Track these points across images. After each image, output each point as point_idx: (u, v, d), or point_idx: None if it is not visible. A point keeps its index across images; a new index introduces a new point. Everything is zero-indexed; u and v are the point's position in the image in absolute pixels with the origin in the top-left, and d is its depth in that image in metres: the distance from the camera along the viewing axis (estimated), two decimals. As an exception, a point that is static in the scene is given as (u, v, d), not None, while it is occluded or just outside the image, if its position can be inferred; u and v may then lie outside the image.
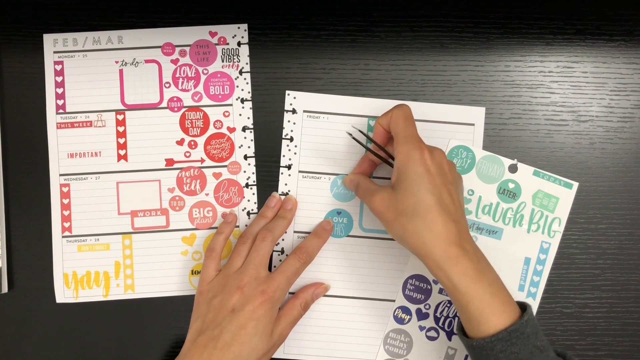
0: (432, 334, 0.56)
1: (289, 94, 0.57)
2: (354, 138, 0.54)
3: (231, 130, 0.58)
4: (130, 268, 0.58)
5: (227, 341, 0.49)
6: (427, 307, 0.56)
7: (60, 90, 0.57)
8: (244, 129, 0.58)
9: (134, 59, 0.57)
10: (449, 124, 0.57)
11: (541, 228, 0.55)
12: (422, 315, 0.56)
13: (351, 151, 0.57)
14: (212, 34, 0.58)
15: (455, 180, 0.49)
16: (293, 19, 0.57)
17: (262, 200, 0.58)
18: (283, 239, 0.57)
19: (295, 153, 0.57)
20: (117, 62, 0.57)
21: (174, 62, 0.58)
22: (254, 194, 0.58)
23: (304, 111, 0.57)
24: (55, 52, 0.57)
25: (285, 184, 0.57)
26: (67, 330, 0.58)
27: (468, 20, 0.57)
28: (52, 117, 0.57)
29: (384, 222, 0.48)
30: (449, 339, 0.56)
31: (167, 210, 0.58)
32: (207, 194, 0.58)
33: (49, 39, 0.57)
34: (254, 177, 0.58)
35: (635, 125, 0.58)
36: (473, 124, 0.57)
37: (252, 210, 0.58)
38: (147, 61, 0.57)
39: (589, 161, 0.57)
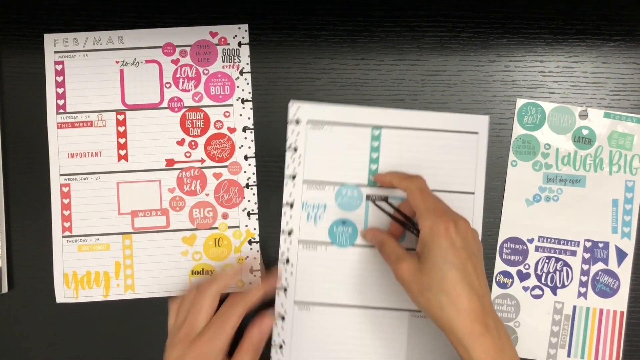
0: (537, 292, 0.57)
1: (292, 104, 0.57)
2: (377, 205, 0.55)
3: (232, 130, 0.58)
4: (130, 268, 0.57)
5: None
6: (526, 267, 0.57)
7: (60, 90, 0.57)
8: (245, 129, 0.58)
9: (135, 59, 0.57)
10: (453, 133, 0.57)
11: (622, 168, 0.56)
12: (523, 276, 0.57)
13: (355, 160, 0.57)
14: (213, 34, 0.58)
15: (479, 251, 0.49)
16: (293, 19, 0.57)
17: (262, 200, 0.58)
18: (288, 249, 0.57)
19: (299, 163, 0.57)
20: (117, 62, 0.57)
21: (175, 62, 0.58)
22: (254, 194, 0.58)
23: (308, 121, 0.57)
24: (55, 52, 0.57)
25: (290, 194, 0.57)
26: (67, 330, 0.58)
27: (468, 20, 0.57)
28: (52, 117, 0.57)
29: (408, 292, 0.48)
30: (554, 293, 0.57)
31: (168, 211, 0.58)
32: (207, 194, 0.58)
33: (49, 39, 0.57)
34: (254, 178, 0.58)
35: (635, 125, 0.58)
36: (477, 133, 0.57)
37: (252, 210, 0.58)
38: (147, 61, 0.57)
39: (589, 161, 0.58)
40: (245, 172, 0.58)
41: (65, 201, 0.57)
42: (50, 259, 0.57)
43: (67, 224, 0.57)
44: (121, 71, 0.57)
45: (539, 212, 0.57)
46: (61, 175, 0.57)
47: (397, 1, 0.57)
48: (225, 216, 0.58)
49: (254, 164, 0.58)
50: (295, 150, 0.57)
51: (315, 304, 0.57)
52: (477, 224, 0.57)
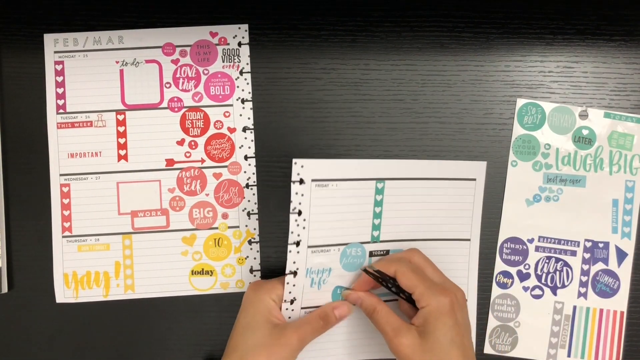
0: (537, 292, 0.57)
1: (295, 163, 0.51)
2: (370, 273, 0.52)
3: (231, 130, 0.58)
4: (130, 268, 0.57)
5: None
6: (526, 267, 0.57)
7: (60, 90, 0.57)
8: (245, 129, 0.58)
9: (135, 59, 0.57)
10: (451, 180, 0.55)
11: (622, 168, 0.57)
12: (523, 276, 0.57)
13: (359, 217, 0.54)
14: (213, 34, 0.58)
15: (468, 317, 0.50)
16: (293, 19, 0.57)
17: (262, 200, 0.58)
18: (290, 317, 0.54)
19: (304, 228, 0.52)
20: (117, 62, 0.57)
21: (175, 62, 0.58)
22: (254, 194, 0.58)
23: (312, 180, 0.52)
24: (55, 52, 0.57)
25: (294, 262, 0.52)
26: (67, 330, 0.58)
27: (468, 20, 0.57)
28: (52, 117, 0.57)
29: None
30: (555, 294, 0.57)
31: (168, 211, 0.58)
32: (207, 194, 0.58)
33: (49, 39, 0.57)
34: (254, 178, 0.58)
35: (635, 125, 0.58)
36: (474, 179, 0.56)
37: (252, 210, 0.58)
38: (147, 61, 0.57)
39: (589, 161, 0.58)
40: (245, 172, 0.58)
41: (65, 201, 0.57)
42: (50, 259, 0.57)
43: (67, 224, 0.57)
44: (121, 71, 0.57)
45: (539, 212, 0.57)
46: (61, 175, 0.57)
47: (397, 1, 0.57)
48: (225, 216, 0.58)
49: (254, 164, 0.58)
50: (300, 213, 0.52)
51: None
52: (472, 270, 0.57)
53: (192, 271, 0.58)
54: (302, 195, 0.51)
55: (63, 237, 0.57)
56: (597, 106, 0.57)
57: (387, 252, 0.55)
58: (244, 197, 0.58)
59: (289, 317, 0.53)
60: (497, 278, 0.57)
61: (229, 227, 0.58)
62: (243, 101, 0.58)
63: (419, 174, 0.55)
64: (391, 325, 0.49)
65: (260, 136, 0.58)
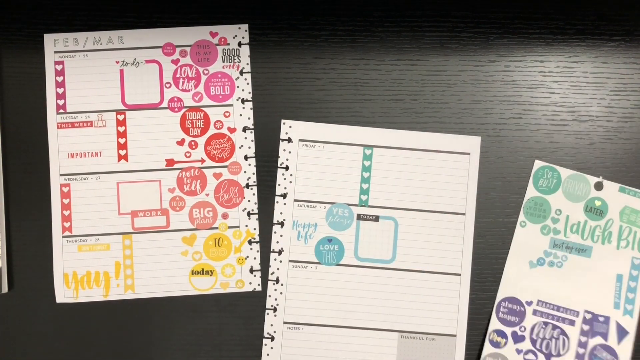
0: (530, 357, 0.56)
1: (284, 123, 0.57)
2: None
3: (232, 130, 0.58)
4: (130, 268, 0.57)
5: None
6: (522, 329, 0.56)
7: (60, 90, 0.57)
8: (245, 129, 0.58)
9: (135, 59, 0.57)
10: (445, 153, 0.57)
11: (630, 244, 0.55)
12: (518, 338, 0.56)
13: (346, 179, 0.57)
14: (213, 34, 0.58)
15: None
16: (293, 19, 0.58)
17: (262, 200, 0.58)
18: (278, 269, 0.57)
19: (290, 182, 0.57)
20: (117, 62, 0.57)
21: (175, 62, 0.58)
22: (254, 194, 0.58)
23: (300, 140, 0.57)
24: (55, 52, 0.57)
25: (281, 213, 0.57)
26: (67, 330, 0.58)
27: (468, 20, 0.57)
28: (52, 117, 0.57)
29: None
30: None
31: (168, 211, 0.58)
32: (207, 194, 0.58)
33: (49, 39, 0.57)
34: (254, 178, 0.58)
35: (635, 125, 0.58)
36: (469, 153, 0.57)
37: (252, 210, 0.58)
38: (147, 61, 0.57)
39: (588, 161, 0.57)
40: (245, 172, 0.58)
41: (65, 201, 0.57)
42: (50, 259, 0.57)
43: (67, 224, 0.57)
44: (121, 71, 0.57)
45: (541, 275, 0.56)
46: (61, 175, 0.57)
47: (397, 1, 0.57)
48: (225, 216, 0.58)
49: (254, 164, 0.58)
50: (287, 168, 0.57)
51: (305, 325, 0.57)
52: (467, 244, 0.57)
53: (192, 271, 0.58)
54: (290, 152, 0.57)
55: (63, 237, 0.57)
56: (597, 106, 0.57)
57: (377, 217, 0.57)
58: (244, 197, 0.58)
59: (277, 269, 0.57)
60: (491, 336, 0.56)
61: (229, 227, 0.58)
62: (243, 101, 0.58)
63: (410, 144, 0.57)
64: None
65: (260, 136, 0.58)
